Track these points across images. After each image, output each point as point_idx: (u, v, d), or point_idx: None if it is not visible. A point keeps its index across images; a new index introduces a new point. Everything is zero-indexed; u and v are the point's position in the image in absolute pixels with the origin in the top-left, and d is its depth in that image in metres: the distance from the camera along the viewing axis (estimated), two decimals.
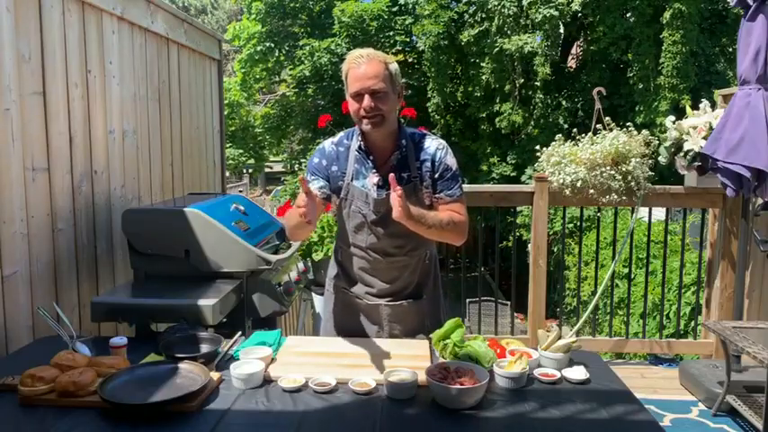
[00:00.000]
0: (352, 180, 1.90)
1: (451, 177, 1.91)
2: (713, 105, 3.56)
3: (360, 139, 1.90)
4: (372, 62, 1.79)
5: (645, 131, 3.52)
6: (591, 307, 3.74)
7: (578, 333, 3.74)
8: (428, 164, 1.89)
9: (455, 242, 1.90)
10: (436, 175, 1.89)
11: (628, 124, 3.60)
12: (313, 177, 1.92)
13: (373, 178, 1.89)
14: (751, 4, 3.00)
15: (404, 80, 2.13)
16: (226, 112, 5.40)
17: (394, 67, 1.84)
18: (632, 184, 3.40)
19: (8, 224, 1.94)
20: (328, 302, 2.13)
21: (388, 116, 1.82)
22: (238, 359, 1.66)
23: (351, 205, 1.91)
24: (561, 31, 10.68)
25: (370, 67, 1.78)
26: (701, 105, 3.49)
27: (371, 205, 1.88)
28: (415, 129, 2.00)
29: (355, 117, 1.83)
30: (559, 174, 3.44)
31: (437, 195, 1.90)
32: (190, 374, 1.53)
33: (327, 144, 1.98)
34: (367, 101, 1.77)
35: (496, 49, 10.70)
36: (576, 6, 10.56)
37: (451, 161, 1.92)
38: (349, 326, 2.03)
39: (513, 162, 11.27)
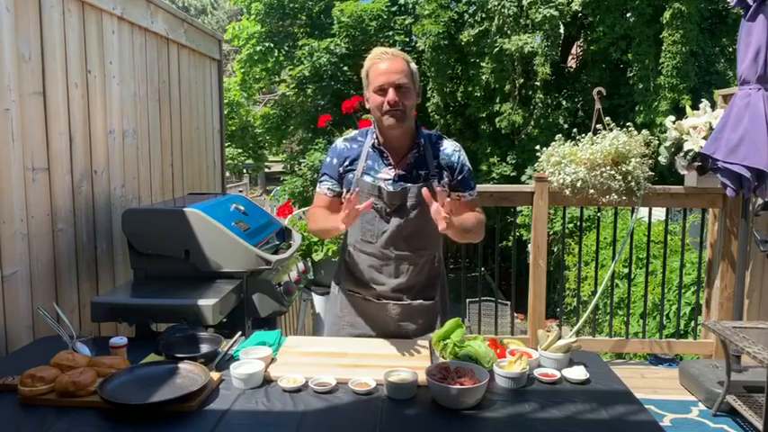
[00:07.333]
0: (362, 176, 1.92)
1: (470, 177, 1.99)
2: (713, 105, 3.56)
3: (375, 136, 1.93)
4: (396, 59, 1.86)
5: (645, 131, 3.53)
6: (591, 307, 3.73)
7: (578, 333, 3.74)
8: (446, 164, 1.95)
9: (477, 240, 1.96)
10: (459, 177, 1.96)
11: (628, 124, 3.60)
12: (325, 178, 1.98)
13: (387, 173, 1.91)
14: (751, 4, 3.01)
15: None
16: (225, 112, 5.40)
17: (414, 66, 1.91)
18: (632, 184, 3.39)
19: (8, 224, 1.94)
20: (334, 305, 2.11)
21: (409, 112, 1.87)
22: (238, 359, 1.66)
23: (361, 200, 1.91)
24: (561, 31, 10.67)
25: (395, 63, 1.85)
26: (701, 105, 3.49)
27: (385, 197, 1.90)
28: (430, 130, 2.03)
29: (377, 112, 1.87)
30: (559, 174, 3.44)
31: (462, 196, 1.96)
32: (190, 374, 1.53)
33: (339, 142, 2.02)
34: (391, 94, 1.82)
35: (496, 49, 10.69)
36: (576, 6, 10.55)
37: (468, 162, 2.00)
38: (356, 327, 2.02)
39: (513, 162, 11.25)
